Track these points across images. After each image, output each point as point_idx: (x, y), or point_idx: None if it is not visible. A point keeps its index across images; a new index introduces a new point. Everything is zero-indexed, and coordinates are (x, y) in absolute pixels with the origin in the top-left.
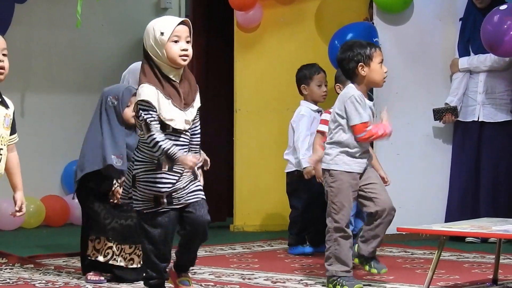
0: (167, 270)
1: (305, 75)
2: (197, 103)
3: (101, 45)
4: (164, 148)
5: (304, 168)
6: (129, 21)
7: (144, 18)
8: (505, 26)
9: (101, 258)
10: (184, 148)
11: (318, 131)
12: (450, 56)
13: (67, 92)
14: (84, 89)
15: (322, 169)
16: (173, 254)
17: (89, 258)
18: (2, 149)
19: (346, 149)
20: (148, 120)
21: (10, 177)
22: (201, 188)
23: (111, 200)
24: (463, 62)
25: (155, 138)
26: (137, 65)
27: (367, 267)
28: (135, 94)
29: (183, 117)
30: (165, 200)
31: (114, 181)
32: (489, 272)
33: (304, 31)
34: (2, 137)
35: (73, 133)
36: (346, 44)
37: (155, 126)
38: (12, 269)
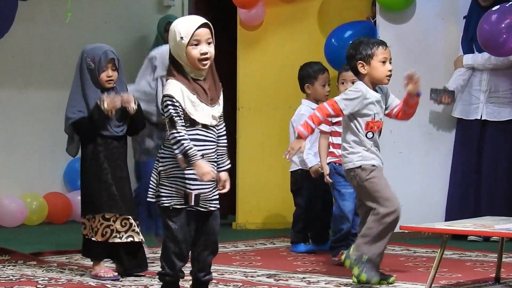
0: (182, 269)
1: (309, 74)
2: (221, 101)
3: (104, 42)
4: (186, 147)
5: (310, 167)
6: (132, 18)
7: (147, 16)
8: (502, 26)
9: (98, 238)
10: (212, 145)
11: (320, 131)
12: (452, 55)
13: (69, 89)
14: None
15: (349, 169)
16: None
17: (86, 237)
18: None
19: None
20: (173, 115)
21: None
22: (218, 197)
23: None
24: (468, 59)
25: (178, 135)
26: (167, 48)
27: (377, 280)
28: (112, 60)
29: (210, 112)
30: (193, 199)
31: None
32: (491, 271)
33: (307, 29)
34: None
35: None
36: (354, 42)
37: (180, 123)
38: (15, 266)
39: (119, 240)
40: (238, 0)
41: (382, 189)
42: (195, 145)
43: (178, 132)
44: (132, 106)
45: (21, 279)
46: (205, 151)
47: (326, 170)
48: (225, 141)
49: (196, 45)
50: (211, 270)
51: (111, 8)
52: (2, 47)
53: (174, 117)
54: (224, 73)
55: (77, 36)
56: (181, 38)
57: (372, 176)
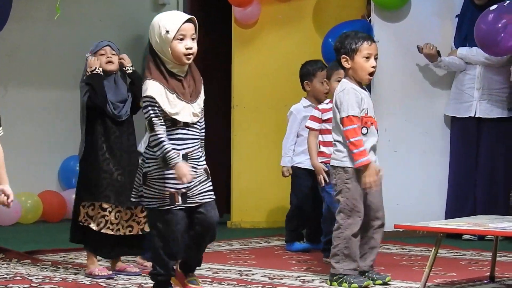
0: (174, 268)
1: (308, 71)
2: (202, 95)
3: (99, 40)
4: (165, 150)
5: (283, 166)
6: (128, 17)
7: (142, 14)
8: (499, 26)
9: (93, 226)
10: (195, 142)
11: (306, 127)
12: (447, 53)
13: (65, 88)
14: None
15: (333, 166)
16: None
17: (80, 224)
18: None
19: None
20: (151, 117)
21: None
22: (212, 188)
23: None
24: (462, 51)
25: (157, 137)
26: None
27: (370, 283)
28: (108, 45)
29: (190, 110)
30: (180, 198)
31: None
32: (486, 270)
33: (302, 28)
34: None
35: (70, 129)
36: (341, 36)
37: (159, 123)
38: (9, 264)
39: (111, 232)
40: None
41: (353, 197)
42: (177, 144)
43: (157, 135)
44: (128, 66)
45: (15, 278)
46: (188, 149)
47: (319, 169)
48: (203, 132)
49: (181, 39)
50: (205, 267)
51: (106, 6)
52: None
53: (152, 119)
54: (219, 71)
55: (73, 34)
56: (167, 32)
57: (350, 182)
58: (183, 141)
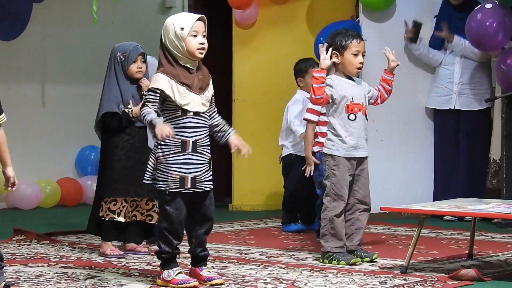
0: (178, 246)
1: (301, 68)
2: (211, 88)
3: (111, 42)
4: (147, 119)
5: (301, 133)
6: (137, 19)
7: (150, 17)
8: (488, 24)
9: (121, 219)
10: (204, 130)
11: (305, 119)
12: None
13: (80, 84)
14: (95, 81)
15: (323, 153)
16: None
17: (102, 218)
18: None
19: (339, 135)
20: (146, 100)
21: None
22: (212, 178)
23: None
24: (456, 40)
25: (143, 111)
26: (150, 59)
27: (358, 260)
28: (142, 53)
29: (199, 100)
30: (189, 182)
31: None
32: (465, 248)
33: (296, 29)
34: None
35: (86, 120)
36: (332, 33)
37: (151, 105)
38: (29, 245)
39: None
40: (233, 1)
41: (338, 183)
42: (187, 132)
43: (144, 109)
44: (145, 91)
45: (35, 257)
46: (197, 136)
47: (310, 161)
48: (219, 117)
49: (194, 36)
50: (208, 247)
51: (117, 9)
52: (19, 46)
53: (146, 101)
54: (220, 68)
55: (86, 36)
56: (182, 28)
57: (336, 168)
58: (192, 129)
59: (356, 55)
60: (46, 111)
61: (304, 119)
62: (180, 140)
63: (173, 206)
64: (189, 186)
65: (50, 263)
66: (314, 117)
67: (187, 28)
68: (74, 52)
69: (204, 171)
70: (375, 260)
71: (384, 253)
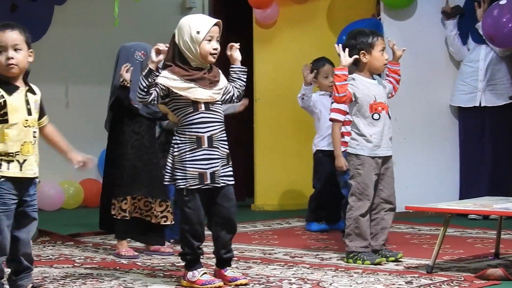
0: (201, 247)
1: (312, 69)
2: (222, 81)
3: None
4: (143, 74)
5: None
6: (157, 20)
7: (170, 17)
8: (504, 20)
9: (135, 214)
10: (218, 125)
11: (331, 119)
12: (456, 49)
13: (100, 84)
14: None
15: (348, 152)
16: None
17: (114, 217)
18: (36, 132)
19: (363, 135)
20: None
21: (57, 145)
22: (231, 173)
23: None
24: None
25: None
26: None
27: (383, 259)
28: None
29: (207, 93)
30: (208, 177)
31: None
32: (491, 247)
33: (317, 28)
34: (35, 121)
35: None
36: (351, 33)
37: (152, 92)
38: (54, 246)
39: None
40: (253, 1)
41: (364, 182)
42: (201, 127)
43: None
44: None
45: (60, 258)
46: (212, 131)
47: (340, 161)
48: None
49: (209, 40)
50: (232, 248)
51: (136, 10)
52: (41, 47)
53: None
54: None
55: (106, 36)
56: (198, 32)
57: (361, 168)
58: (206, 124)
59: (382, 51)
60: (69, 112)
61: (330, 119)
62: (195, 137)
63: (192, 207)
64: (208, 181)
65: (75, 264)
66: (340, 117)
67: (203, 33)
68: (95, 53)
69: (222, 166)
70: (400, 259)
71: (409, 253)
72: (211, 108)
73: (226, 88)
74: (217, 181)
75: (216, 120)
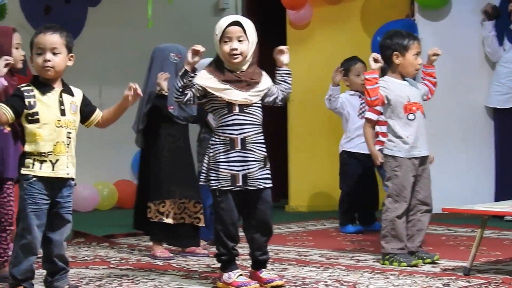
0: (236, 248)
1: (344, 68)
2: (263, 83)
3: (165, 43)
4: (179, 74)
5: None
6: (190, 21)
7: (203, 18)
8: None
9: (169, 221)
10: (252, 128)
11: (366, 118)
12: (492, 49)
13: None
14: None
15: (385, 154)
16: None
17: (151, 220)
18: (70, 133)
19: (399, 136)
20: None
21: (116, 112)
22: (268, 176)
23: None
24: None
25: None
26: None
27: (419, 261)
28: None
29: (243, 95)
30: (241, 179)
31: None
32: None
33: (351, 28)
34: (70, 122)
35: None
36: (388, 33)
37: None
38: (89, 247)
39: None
40: (287, 2)
41: (401, 184)
42: (234, 129)
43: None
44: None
45: (95, 259)
46: (246, 133)
47: (376, 155)
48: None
49: (226, 41)
50: (268, 250)
51: (169, 11)
52: (75, 49)
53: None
54: (274, 69)
55: (139, 38)
56: (216, 34)
57: (398, 169)
58: (239, 126)
59: (416, 55)
60: None
61: (365, 118)
62: (228, 138)
63: (224, 208)
64: (240, 183)
65: (110, 266)
66: (374, 116)
67: (219, 34)
68: (129, 54)
69: (256, 168)
70: (437, 261)
71: (445, 254)
72: (245, 110)
73: (269, 90)
74: (249, 184)
75: (251, 122)
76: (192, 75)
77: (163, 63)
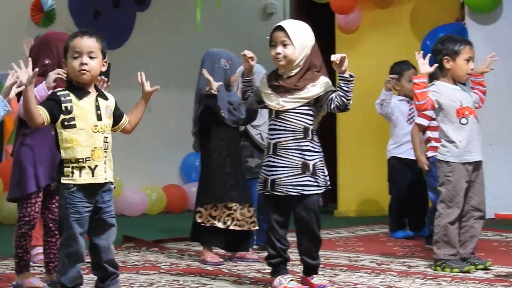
0: (286, 251)
1: (396, 71)
2: (309, 90)
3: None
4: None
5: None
6: (239, 26)
7: (252, 23)
8: None
9: (220, 225)
10: (285, 134)
11: (416, 123)
12: None
13: (185, 90)
14: None
15: (438, 159)
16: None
17: (202, 225)
18: (107, 137)
19: (452, 141)
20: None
21: (134, 112)
22: (309, 183)
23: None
24: None
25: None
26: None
27: (472, 267)
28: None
29: (276, 101)
30: (269, 184)
31: None
32: None
33: (400, 32)
34: (106, 126)
35: (191, 126)
36: (441, 38)
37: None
38: (139, 252)
39: (238, 228)
40: (336, 6)
41: (454, 189)
42: (270, 134)
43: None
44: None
45: (145, 264)
46: (279, 139)
47: (423, 162)
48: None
49: (273, 46)
50: (319, 255)
51: (218, 16)
52: (124, 53)
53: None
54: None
55: (188, 42)
56: (267, 39)
57: (451, 175)
58: (273, 131)
59: (468, 60)
60: (151, 117)
61: (416, 123)
62: (267, 143)
63: (264, 211)
64: (268, 188)
65: (161, 271)
66: (425, 122)
67: (269, 40)
68: (177, 58)
69: (288, 175)
70: (489, 267)
71: (497, 261)
72: (280, 116)
73: (325, 97)
74: (277, 189)
75: (285, 128)
76: (245, 79)
77: (212, 67)
